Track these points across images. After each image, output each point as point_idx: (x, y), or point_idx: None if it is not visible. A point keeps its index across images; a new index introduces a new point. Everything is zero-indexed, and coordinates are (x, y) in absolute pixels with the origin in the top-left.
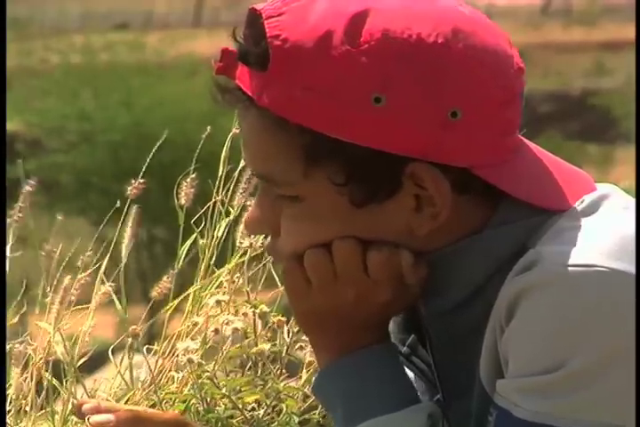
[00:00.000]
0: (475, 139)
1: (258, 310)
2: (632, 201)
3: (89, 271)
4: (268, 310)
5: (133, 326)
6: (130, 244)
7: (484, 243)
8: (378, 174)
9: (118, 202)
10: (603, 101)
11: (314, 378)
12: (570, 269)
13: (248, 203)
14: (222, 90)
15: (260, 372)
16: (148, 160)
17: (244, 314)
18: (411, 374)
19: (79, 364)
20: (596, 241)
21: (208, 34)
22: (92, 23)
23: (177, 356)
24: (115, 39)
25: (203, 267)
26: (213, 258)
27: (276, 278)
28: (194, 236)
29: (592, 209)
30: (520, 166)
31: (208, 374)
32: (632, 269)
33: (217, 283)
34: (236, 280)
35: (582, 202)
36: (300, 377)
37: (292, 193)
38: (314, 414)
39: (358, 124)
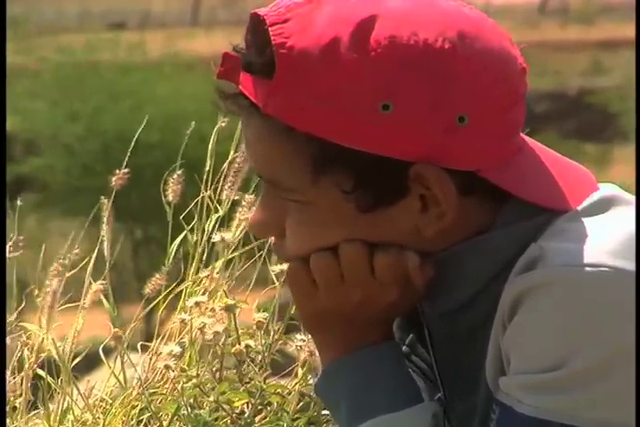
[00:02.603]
0: (481, 143)
1: (222, 305)
2: (633, 200)
3: (76, 270)
4: (244, 307)
5: (115, 329)
6: (109, 237)
7: (489, 243)
8: (385, 180)
9: (112, 198)
10: (600, 100)
11: (317, 377)
12: (574, 268)
13: (237, 197)
14: (224, 96)
15: (244, 370)
16: (129, 154)
17: (212, 310)
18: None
19: (74, 363)
20: (601, 240)
21: (206, 33)
22: (89, 22)
23: (162, 357)
24: (111, 38)
25: (194, 264)
26: (205, 254)
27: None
28: (183, 233)
29: (596, 209)
30: (523, 167)
31: (194, 381)
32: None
33: (205, 282)
34: (221, 279)
35: (586, 202)
36: (292, 375)
37: (298, 198)
38: (305, 413)
39: (366, 132)
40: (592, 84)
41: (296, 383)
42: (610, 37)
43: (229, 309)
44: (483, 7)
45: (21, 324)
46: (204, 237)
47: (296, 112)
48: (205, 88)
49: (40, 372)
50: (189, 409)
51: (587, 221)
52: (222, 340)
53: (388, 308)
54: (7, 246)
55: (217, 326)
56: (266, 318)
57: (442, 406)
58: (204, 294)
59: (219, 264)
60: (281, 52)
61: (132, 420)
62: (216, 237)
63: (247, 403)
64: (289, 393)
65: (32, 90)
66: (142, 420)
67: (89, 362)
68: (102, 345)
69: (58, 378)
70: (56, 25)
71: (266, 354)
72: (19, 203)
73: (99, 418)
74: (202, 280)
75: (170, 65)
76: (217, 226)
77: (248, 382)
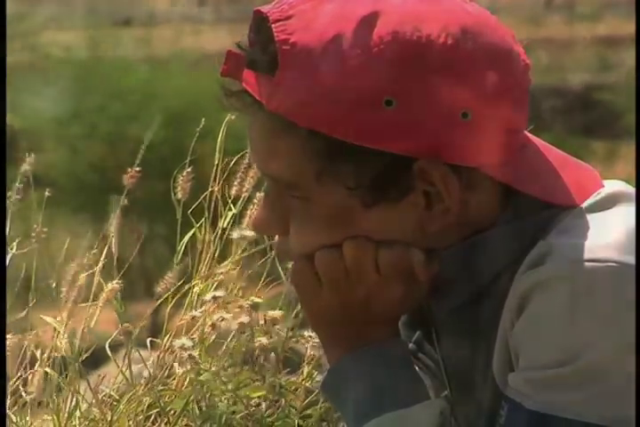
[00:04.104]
0: (484, 138)
1: (250, 303)
2: None
3: (93, 270)
4: (261, 302)
5: (126, 324)
6: (117, 233)
7: (494, 239)
8: (389, 176)
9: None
10: (606, 97)
11: (323, 375)
12: (582, 263)
13: (246, 194)
14: (229, 94)
15: (258, 367)
16: (133, 152)
17: (240, 307)
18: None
19: (82, 359)
20: (608, 235)
21: (211, 30)
22: (94, 19)
23: (174, 352)
24: (117, 35)
25: (204, 261)
26: (217, 251)
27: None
28: (192, 230)
29: (602, 205)
30: (528, 163)
31: (211, 371)
32: None
33: (218, 278)
34: (236, 276)
35: (592, 198)
36: (302, 372)
37: (302, 195)
38: (315, 408)
39: (370, 128)
40: (598, 80)
41: (303, 380)
42: (616, 33)
43: (254, 306)
44: (489, 4)
45: (42, 317)
46: (215, 234)
47: (299, 108)
48: (210, 85)
49: (48, 370)
50: (207, 400)
51: (593, 217)
52: (240, 336)
53: (393, 305)
54: (32, 236)
55: (243, 318)
56: (282, 316)
57: (449, 403)
58: (216, 290)
59: (234, 261)
60: (284, 48)
61: (139, 416)
62: (235, 234)
63: (263, 399)
64: (295, 389)
65: (36, 87)
66: (150, 416)
67: (94, 359)
68: (109, 341)
69: (66, 375)
70: (62, 22)
71: (279, 351)
72: (47, 194)
73: (106, 414)
74: (214, 277)
75: (175, 62)
76: (230, 223)
77: (262, 380)
